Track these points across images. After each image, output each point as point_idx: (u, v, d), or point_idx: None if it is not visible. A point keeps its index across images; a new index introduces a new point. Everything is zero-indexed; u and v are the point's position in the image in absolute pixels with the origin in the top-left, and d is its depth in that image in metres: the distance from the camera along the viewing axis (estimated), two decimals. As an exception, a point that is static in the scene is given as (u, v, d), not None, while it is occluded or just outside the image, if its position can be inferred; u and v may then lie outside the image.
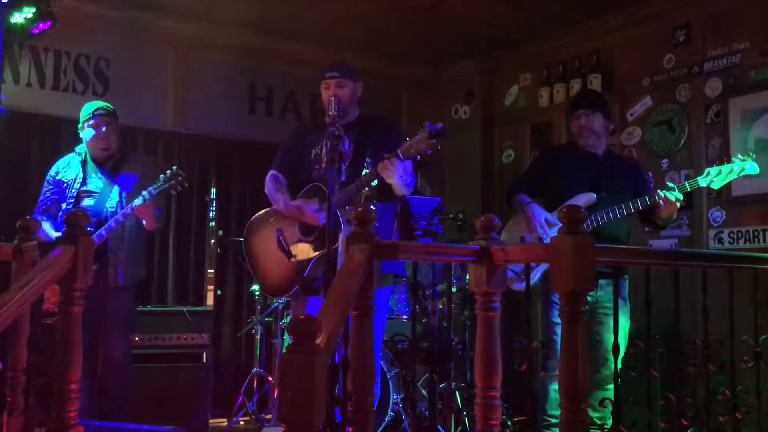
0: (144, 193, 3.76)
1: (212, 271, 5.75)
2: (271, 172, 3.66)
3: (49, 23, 4.70)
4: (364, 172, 3.41)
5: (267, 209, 3.66)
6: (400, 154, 3.13)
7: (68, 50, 5.22)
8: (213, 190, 5.73)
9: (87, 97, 5.26)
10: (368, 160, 3.48)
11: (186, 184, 3.90)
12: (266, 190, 3.64)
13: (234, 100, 5.87)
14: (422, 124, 3.15)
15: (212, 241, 5.71)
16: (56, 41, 5.10)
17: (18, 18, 4.59)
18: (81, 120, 4.01)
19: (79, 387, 2.56)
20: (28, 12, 4.58)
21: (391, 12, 5.30)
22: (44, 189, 4.04)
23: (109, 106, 4.07)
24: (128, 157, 4.15)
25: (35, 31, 4.71)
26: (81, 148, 4.06)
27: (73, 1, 5.04)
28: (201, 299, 5.64)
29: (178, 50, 5.64)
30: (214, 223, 5.73)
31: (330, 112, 3.21)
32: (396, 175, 3.17)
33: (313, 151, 3.56)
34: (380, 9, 5.24)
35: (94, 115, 3.96)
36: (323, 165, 3.34)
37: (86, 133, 3.99)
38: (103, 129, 3.95)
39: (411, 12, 5.31)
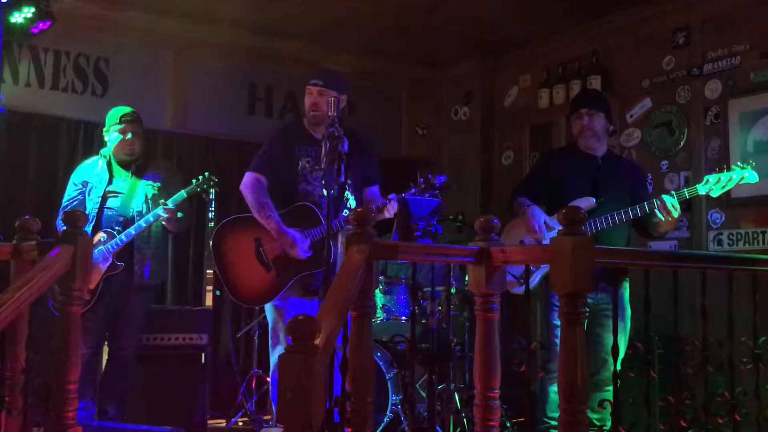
0: (170, 201, 3.90)
1: (211, 271, 5.74)
2: (253, 174, 3.59)
3: (48, 23, 4.69)
4: (346, 194, 3.48)
5: (244, 215, 3.64)
6: (407, 198, 3.37)
7: (68, 50, 5.21)
8: (212, 191, 5.71)
9: (86, 97, 5.27)
10: (349, 182, 3.50)
11: (218, 190, 4.09)
12: (246, 193, 3.58)
13: (233, 101, 5.86)
14: (429, 176, 3.45)
15: (211, 241, 5.69)
16: (56, 41, 5.09)
17: (17, 18, 4.59)
18: (107, 124, 4.12)
19: (78, 387, 2.56)
20: (28, 12, 4.58)
21: (391, 13, 5.30)
22: (70, 189, 4.12)
23: (135, 112, 4.17)
24: (151, 160, 4.29)
25: (35, 30, 4.71)
26: (105, 151, 4.15)
27: (73, 0, 5.04)
28: (200, 300, 5.63)
29: (177, 51, 5.63)
30: (213, 224, 5.71)
31: (329, 113, 3.22)
32: (392, 213, 3.41)
33: (300, 163, 3.54)
34: (380, 10, 5.24)
35: (121, 121, 4.07)
36: (323, 166, 3.35)
37: (112, 138, 4.09)
38: (129, 136, 4.07)
39: (411, 13, 5.31)
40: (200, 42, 5.66)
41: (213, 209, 5.70)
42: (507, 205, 4.01)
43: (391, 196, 3.37)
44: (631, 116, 5.30)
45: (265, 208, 3.49)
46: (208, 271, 5.71)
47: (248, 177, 3.60)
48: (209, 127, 5.72)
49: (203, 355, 4.69)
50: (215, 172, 5.65)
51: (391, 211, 3.36)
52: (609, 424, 3.28)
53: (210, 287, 5.71)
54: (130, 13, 5.26)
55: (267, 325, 5.10)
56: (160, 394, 4.43)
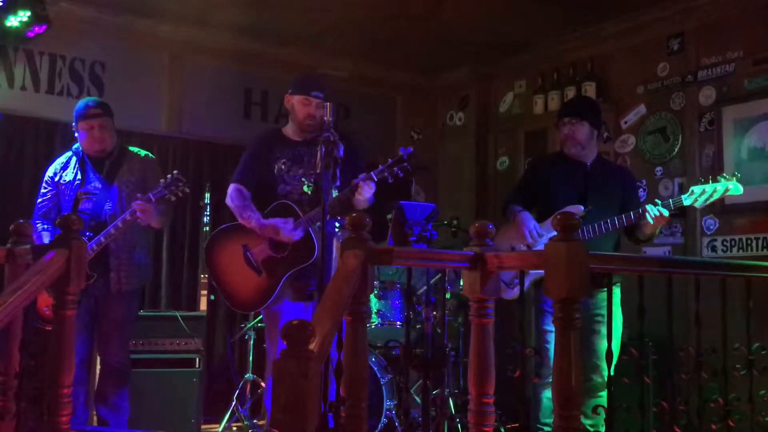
0: (141, 196, 3.64)
1: (206, 276, 5.73)
2: (234, 185, 3.66)
3: (44, 27, 4.69)
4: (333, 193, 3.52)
5: (229, 224, 3.69)
6: (374, 177, 3.37)
7: (63, 54, 5.21)
8: (207, 195, 5.72)
9: (82, 101, 5.26)
10: (337, 183, 3.55)
11: (187, 190, 3.78)
12: (231, 204, 3.63)
13: (229, 105, 5.86)
14: (395, 149, 3.49)
15: (204, 255, 5.68)
16: (51, 45, 5.09)
17: (13, 21, 4.59)
18: (74, 119, 3.88)
19: (72, 392, 2.55)
20: (23, 15, 4.58)
21: (386, 19, 5.31)
22: (42, 191, 3.92)
23: (102, 102, 3.94)
24: (126, 154, 3.99)
25: (30, 34, 4.70)
26: (77, 147, 3.94)
27: (69, 4, 5.04)
28: (194, 304, 5.62)
29: (173, 55, 5.63)
30: (208, 228, 5.72)
31: (326, 117, 3.23)
32: (369, 195, 3.41)
33: (276, 166, 3.60)
34: (376, 16, 5.25)
35: (87, 117, 3.82)
36: (315, 170, 3.36)
37: (80, 134, 3.87)
38: (96, 131, 3.83)
39: (406, 19, 5.32)
40: (196, 46, 5.66)
41: (207, 214, 5.71)
42: (501, 212, 4.02)
43: (361, 175, 3.39)
44: (626, 122, 5.32)
45: (246, 209, 3.57)
46: (202, 276, 5.70)
47: (230, 188, 3.68)
48: (205, 131, 5.71)
49: (197, 359, 4.68)
50: (211, 176, 5.72)
51: (365, 188, 3.37)
52: (603, 429, 3.29)
53: (204, 292, 5.71)
54: (126, 17, 5.26)
55: (260, 329, 5.13)
56: (154, 399, 4.42)
